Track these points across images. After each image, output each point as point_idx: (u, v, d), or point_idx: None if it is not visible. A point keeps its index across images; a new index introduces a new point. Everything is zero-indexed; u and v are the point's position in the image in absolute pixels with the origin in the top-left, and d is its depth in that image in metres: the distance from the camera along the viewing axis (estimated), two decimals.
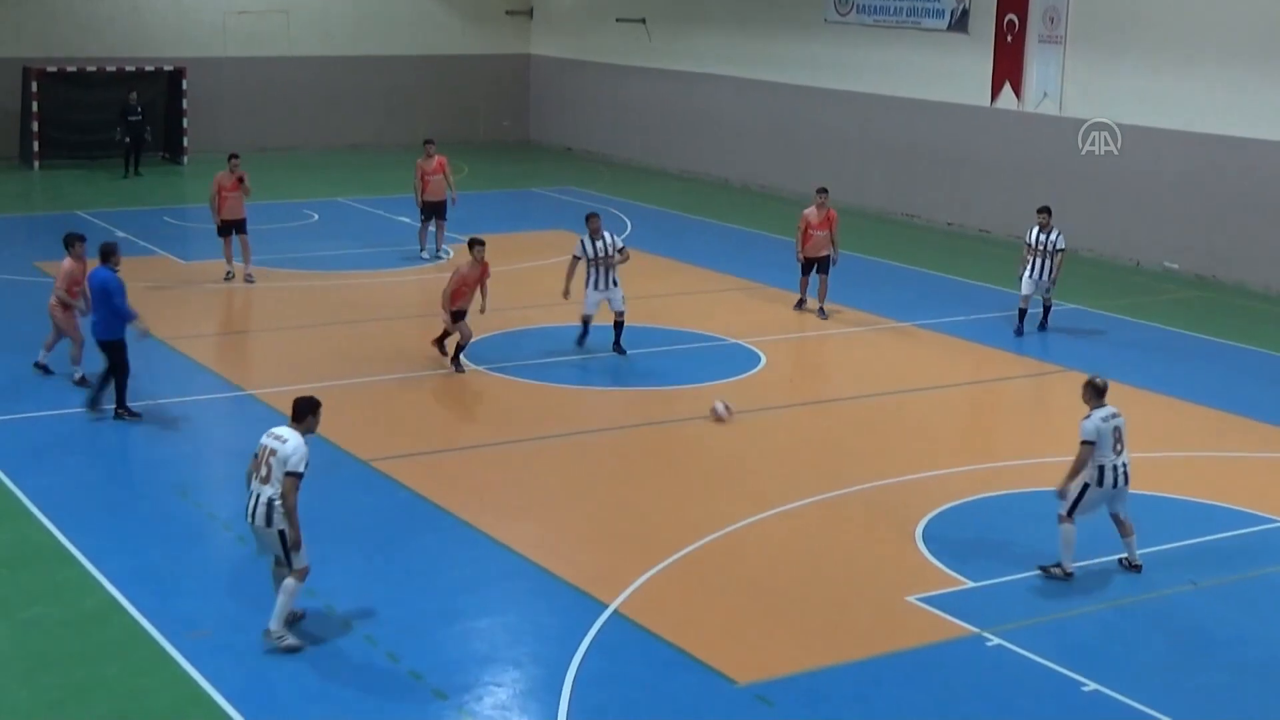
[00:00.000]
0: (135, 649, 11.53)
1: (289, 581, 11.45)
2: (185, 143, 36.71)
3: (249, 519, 11.48)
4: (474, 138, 41.90)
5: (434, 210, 26.02)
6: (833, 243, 22.29)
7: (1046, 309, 21.93)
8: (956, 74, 30.48)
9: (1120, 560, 13.46)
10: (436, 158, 25.87)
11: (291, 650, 11.39)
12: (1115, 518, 13.40)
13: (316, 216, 30.37)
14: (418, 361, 19.72)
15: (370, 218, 30.50)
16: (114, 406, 16.93)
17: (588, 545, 13.88)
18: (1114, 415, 13.29)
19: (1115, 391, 13.98)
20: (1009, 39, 29.31)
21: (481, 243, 19.43)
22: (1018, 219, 28.99)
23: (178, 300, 23.06)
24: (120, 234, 27.13)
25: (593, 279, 19.89)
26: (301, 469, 11.32)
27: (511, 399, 18.34)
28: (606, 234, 19.90)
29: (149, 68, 36.96)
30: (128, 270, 24.62)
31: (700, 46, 37.00)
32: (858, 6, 32.53)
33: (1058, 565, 13.20)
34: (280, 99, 39.24)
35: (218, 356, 19.76)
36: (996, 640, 11.87)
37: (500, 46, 42.77)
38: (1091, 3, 27.79)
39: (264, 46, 39.40)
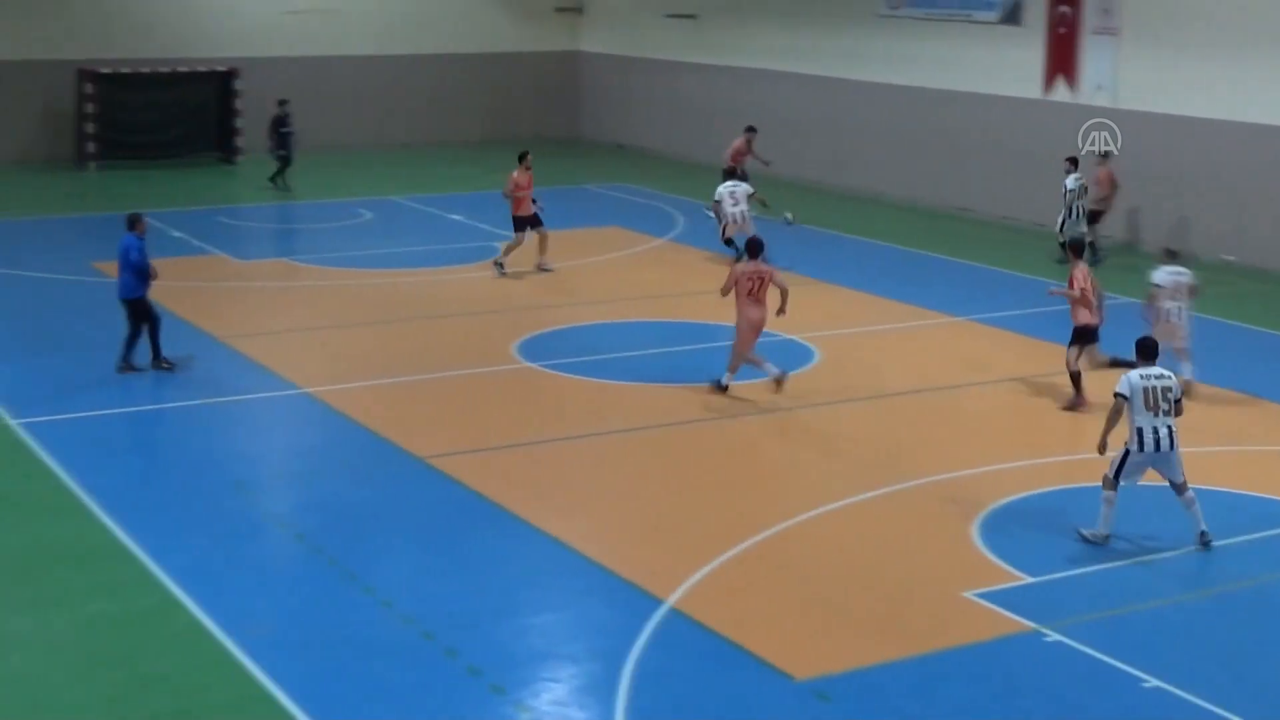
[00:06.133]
0: (194, 645, 11.60)
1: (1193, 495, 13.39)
2: (238, 143, 36.92)
3: (1155, 449, 13.10)
4: (524, 134, 41.95)
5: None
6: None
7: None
8: (1009, 66, 30.26)
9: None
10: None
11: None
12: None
13: (369, 215, 30.47)
14: (472, 358, 19.76)
15: (423, 215, 30.58)
16: (151, 359, 18.58)
17: (643, 541, 13.87)
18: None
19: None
20: (1061, 30, 29.09)
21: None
22: None
23: (234, 299, 23.19)
24: (176, 234, 27.33)
25: None
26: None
27: (564, 395, 18.35)
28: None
29: (201, 68, 37.21)
30: (184, 269, 24.78)
31: (753, 42, 36.87)
32: (910, 0, 32.39)
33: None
34: (332, 98, 39.34)
35: (273, 355, 19.84)
36: (1055, 636, 11.78)
37: (550, 43, 42.80)
38: None
39: (316, 46, 39.54)
